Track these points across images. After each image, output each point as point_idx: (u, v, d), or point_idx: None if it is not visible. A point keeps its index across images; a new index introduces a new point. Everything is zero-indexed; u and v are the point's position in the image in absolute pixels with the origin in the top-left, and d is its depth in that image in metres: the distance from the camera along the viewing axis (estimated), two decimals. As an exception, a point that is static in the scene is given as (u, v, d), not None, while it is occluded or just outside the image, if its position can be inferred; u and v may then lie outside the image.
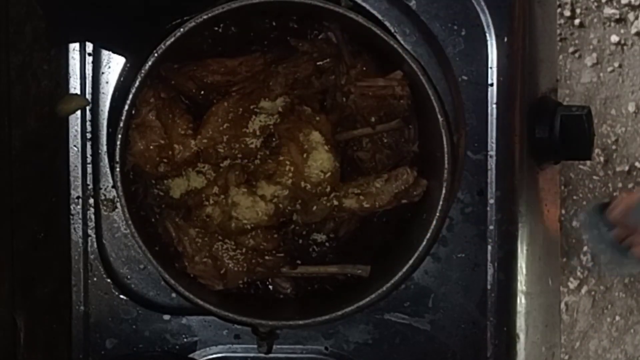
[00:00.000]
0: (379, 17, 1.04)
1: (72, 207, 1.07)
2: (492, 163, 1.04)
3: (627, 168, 1.71)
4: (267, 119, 1.04)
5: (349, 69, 1.05)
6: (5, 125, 1.06)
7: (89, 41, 1.05)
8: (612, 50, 1.70)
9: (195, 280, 1.04)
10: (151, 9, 1.01)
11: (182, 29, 1.00)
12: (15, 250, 1.07)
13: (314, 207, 1.04)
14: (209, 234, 1.04)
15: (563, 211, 1.70)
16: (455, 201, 1.04)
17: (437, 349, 1.05)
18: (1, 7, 1.05)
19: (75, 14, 0.97)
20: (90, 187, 1.07)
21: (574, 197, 1.72)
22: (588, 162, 1.70)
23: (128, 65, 1.06)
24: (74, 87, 1.07)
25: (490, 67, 1.03)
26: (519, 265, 1.04)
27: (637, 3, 1.69)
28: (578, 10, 1.70)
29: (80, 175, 1.07)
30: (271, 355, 1.05)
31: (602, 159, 1.70)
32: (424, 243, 1.01)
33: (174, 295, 1.07)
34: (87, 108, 1.06)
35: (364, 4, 1.04)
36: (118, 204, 1.06)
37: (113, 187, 1.06)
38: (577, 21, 1.70)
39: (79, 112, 1.06)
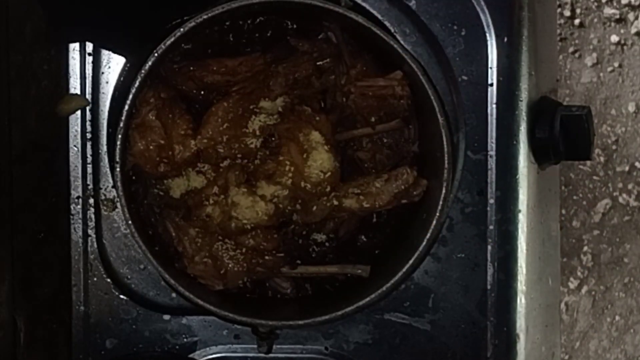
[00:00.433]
0: (379, 17, 1.04)
1: (72, 207, 1.07)
2: (492, 163, 1.04)
3: (627, 168, 1.71)
4: (267, 119, 1.04)
5: (349, 69, 1.05)
6: (5, 125, 1.06)
7: (89, 41, 1.05)
8: (612, 50, 1.70)
9: (195, 280, 1.04)
10: (151, 9, 1.01)
11: (182, 29, 1.00)
12: (15, 250, 1.07)
13: (314, 207, 1.04)
14: (209, 234, 1.04)
15: (563, 211, 1.70)
16: (455, 201, 1.04)
17: (437, 349, 1.05)
18: (1, 7, 1.05)
19: (75, 14, 0.97)
20: (90, 187, 1.07)
21: (574, 197, 1.72)
22: (588, 162, 1.70)
23: (128, 65, 1.06)
24: (74, 87, 1.07)
25: (490, 67, 1.03)
26: (519, 265, 1.04)
27: (637, 3, 1.69)
28: (578, 10, 1.70)
29: (80, 175, 1.07)
30: (271, 355, 1.05)
31: (602, 159, 1.70)
32: (424, 243, 1.01)
33: (174, 295, 1.07)
34: (87, 108, 1.06)
35: (364, 4, 1.04)
36: (118, 204, 1.06)
37: (113, 187, 1.06)
38: (577, 21, 1.70)
39: (79, 112, 1.06)
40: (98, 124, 1.07)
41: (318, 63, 1.05)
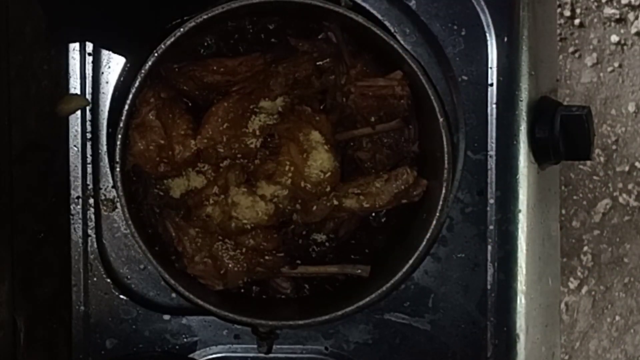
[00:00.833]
0: (379, 17, 1.04)
1: (72, 207, 1.07)
2: (492, 163, 1.04)
3: (627, 168, 1.71)
4: (267, 119, 1.04)
5: (349, 69, 1.05)
6: (5, 125, 1.06)
7: (89, 41, 1.05)
8: (612, 50, 1.70)
9: (195, 280, 1.04)
10: (151, 9, 1.01)
11: (182, 29, 1.00)
12: (15, 250, 1.07)
13: (314, 207, 1.04)
14: (209, 234, 1.04)
15: (563, 211, 1.70)
16: (455, 201, 1.04)
17: (437, 349, 1.05)
18: (1, 7, 1.05)
19: (75, 14, 0.97)
20: (90, 187, 1.07)
21: (574, 197, 1.72)
22: (588, 162, 1.70)
23: (128, 65, 1.06)
24: (74, 87, 1.07)
25: (490, 67, 1.03)
26: (519, 265, 1.04)
27: (637, 3, 1.69)
28: (578, 10, 1.70)
29: (80, 175, 1.07)
30: (271, 355, 1.05)
31: (602, 159, 1.70)
32: (424, 243, 1.01)
33: (174, 295, 1.07)
34: (87, 108, 1.06)
35: (364, 4, 1.04)
36: (118, 204, 1.06)
37: (113, 187, 1.06)
38: (577, 21, 1.70)
39: (79, 112, 1.06)
40: (98, 124, 1.07)
41: (318, 63, 1.05)
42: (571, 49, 1.71)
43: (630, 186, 1.72)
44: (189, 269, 1.04)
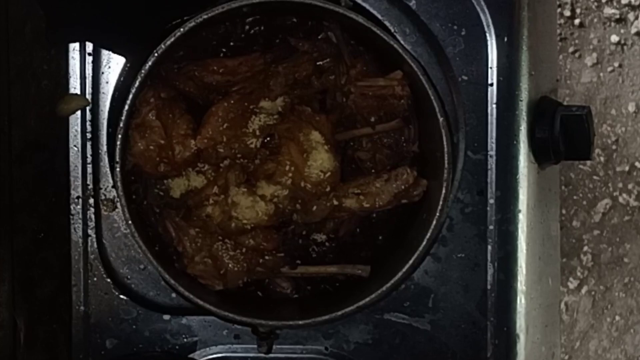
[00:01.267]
0: (379, 17, 1.04)
1: (72, 207, 1.07)
2: (492, 163, 1.04)
3: (627, 168, 1.71)
4: (267, 119, 1.04)
5: (349, 69, 1.05)
6: (5, 125, 1.06)
7: (89, 41, 1.05)
8: (612, 50, 1.70)
9: (195, 280, 1.04)
10: (151, 9, 1.01)
11: (182, 29, 1.00)
12: (15, 250, 1.07)
13: (314, 207, 1.04)
14: (209, 234, 1.04)
15: (563, 211, 1.70)
16: (455, 201, 1.04)
17: (437, 349, 1.05)
18: (1, 7, 1.05)
19: (75, 14, 0.97)
20: (90, 187, 1.07)
21: (574, 197, 1.72)
22: (588, 162, 1.70)
23: (128, 65, 1.06)
24: (74, 87, 1.07)
25: (490, 67, 1.03)
26: (519, 265, 1.04)
27: (637, 3, 1.69)
28: (578, 10, 1.70)
29: (80, 175, 1.07)
30: (271, 355, 1.05)
31: (602, 159, 1.70)
32: (424, 243, 1.01)
33: (174, 295, 1.07)
34: (87, 108, 1.06)
35: (364, 4, 1.04)
36: (118, 204, 1.06)
37: (113, 187, 1.06)
38: (577, 21, 1.70)
39: (79, 112, 1.06)
40: (98, 124, 1.06)
41: (318, 63, 1.05)
42: (571, 49, 1.71)
43: (630, 186, 1.72)
44: (189, 269, 1.04)
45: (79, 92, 1.06)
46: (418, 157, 1.06)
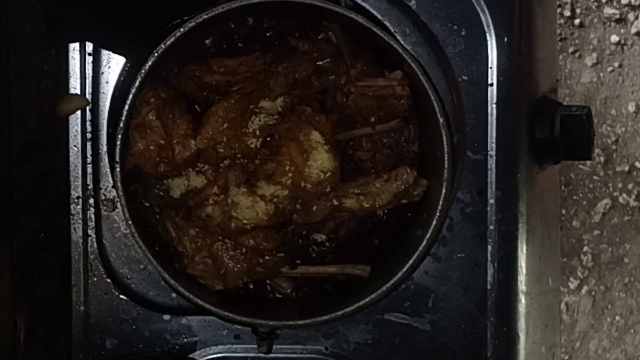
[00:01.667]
0: (379, 17, 1.04)
1: (72, 207, 1.07)
2: (492, 163, 1.04)
3: (627, 168, 1.71)
4: (267, 119, 1.04)
5: (349, 69, 1.05)
6: (5, 125, 1.06)
7: (89, 41, 1.05)
8: (612, 50, 1.70)
9: (195, 280, 1.04)
10: (151, 9, 1.01)
11: (182, 29, 1.00)
12: (15, 250, 1.07)
13: (314, 207, 1.04)
14: (209, 234, 1.04)
15: (563, 211, 1.70)
16: (455, 201, 1.04)
17: (437, 349, 1.05)
18: (1, 7, 1.05)
19: (75, 14, 0.97)
20: (90, 187, 1.07)
21: (574, 197, 1.72)
22: (588, 162, 1.70)
23: (128, 65, 1.06)
24: (74, 87, 1.07)
25: (490, 67, 1.03)
26: (519, 265, 1.04)
27: (637, 3, 1.69)
28: (578, 10, 1.70)
29: (80, 175, 1.07)
30: (271, 355, 1.05)
31: (602, 159, 1.70)
32: (424, 243, 1.01)
33: (174, 295, 1.07)
34: (87, 108, 1.06)
35: (364, 4, 1.04)
36: (118, 204, 1.06)
37: (113, 187, 1.06)
38: (577, 21, 1.70)
39: (79, 112, 1.06)
40: (98, 124, 1.06)
41: (318, 63, 1.05)
42: (571, 49, 1.71)
43: (630, 186, 1.72)
44: (189, 269, 1.04)
45: (79, 92, 1.06)
46: (418, 157, 1.06)
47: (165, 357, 1.07)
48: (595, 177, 1.72)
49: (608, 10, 1.69)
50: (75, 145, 1.07)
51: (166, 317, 1.07)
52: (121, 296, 1.07)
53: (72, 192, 1.07)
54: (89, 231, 1.07)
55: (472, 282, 1.04)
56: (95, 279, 1.07)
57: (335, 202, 1.04)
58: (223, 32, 1.07)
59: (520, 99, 1.04)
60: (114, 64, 1.07)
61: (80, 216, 1.07)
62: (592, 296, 1.72)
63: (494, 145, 1.03)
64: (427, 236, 1.01)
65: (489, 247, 1.04)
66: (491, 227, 1.04)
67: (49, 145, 1.09)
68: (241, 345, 1.07)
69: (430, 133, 1.03)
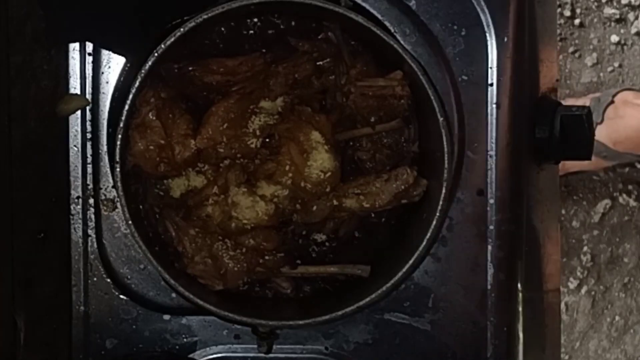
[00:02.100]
0: (379, 17, 1.04)
1: (72, 207, 1.07)
2: (492, 163, 1.04)
3: (627, 168, 1.71)
4: (267, 119, 1.04)
5: (349, 69, 1.05)
6: (5, 125, 1.06)
7: (89, 41, 1.05)
8: (612, 50, 1.70)
9: (195, 280, 1.05)
10: (151, 9, 1.01)
11: (182, 29, 1.00)
12: (15, 250, 1.07)
13: (314, 207, 1.04)
14: (209, 234, 1.04)
15: (563, 211, 1.71)
16: (455, 201, 1.04)
17: (437, 349, 1.05)
18: (1, 7, 1.05)
19: (75, 14, 0.97)
20: (90, 187, 1.07)
21: (574, 197, 1.72)
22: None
23: (128, 65, 1.06)
24: (74, 87, 1.07)
25: (490, 67, 1.03)
26: (519, 265, 1.04)
27: (637, 3, 1.69)
28: (578, 10, 1.70)
29: (80, 175, 1.07)
30: (271, 355, 1.05)
31: (602, 159, 1.70)
32: (424, 243, 1.01)
33: (174, 295, 1.07)
34: (87, 108, 1.06)
35: (364, 4, 1.04)
36: (118, 204, 1.06)
37: (113, 187, 1.06)
38: (577, 21, 1.70)
39: (79, 112, 1.06)
40: (98, 124, 1.06)
41: (318, 63, 1.06)
42: (571, 49, 1.71)
43: (630, 186, 1.72)
44: (189, 269, 1.04)
45: (79, 92, 1.06)
46: (418, 157, 1.06)
47: (165, 357, 1.07)
48: (595, 177, 1.72)
49: (608, 10, 1.69)
50: (75, 145, 1.07)
51: (166, 317, 1.07)
52: (121, 296, 1.07)
53: (72, 192, 1.07)
54: (89, 231, 1.07)
55: (472, 282, 1.04)
56: (95, 279, 1.07)
57: (335, 202, 1.04)
58: (223, 32, 1.07)
59: (520, 99, 1.04)
60: (114, 64, 1.07)
61: (80, 216, 1.07)
62: (592, 296, 1.72)
63: (494, 145, 1.03)
64: (427, 236, 1.01)
65: (489, 247, 1.04)
66: (491, 227, 1.04)
67: (49, 145, 1.09)
68: (241, 345, 1.07)
69: (430, 133, 1.04)
